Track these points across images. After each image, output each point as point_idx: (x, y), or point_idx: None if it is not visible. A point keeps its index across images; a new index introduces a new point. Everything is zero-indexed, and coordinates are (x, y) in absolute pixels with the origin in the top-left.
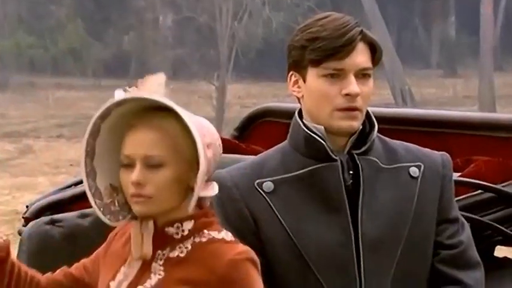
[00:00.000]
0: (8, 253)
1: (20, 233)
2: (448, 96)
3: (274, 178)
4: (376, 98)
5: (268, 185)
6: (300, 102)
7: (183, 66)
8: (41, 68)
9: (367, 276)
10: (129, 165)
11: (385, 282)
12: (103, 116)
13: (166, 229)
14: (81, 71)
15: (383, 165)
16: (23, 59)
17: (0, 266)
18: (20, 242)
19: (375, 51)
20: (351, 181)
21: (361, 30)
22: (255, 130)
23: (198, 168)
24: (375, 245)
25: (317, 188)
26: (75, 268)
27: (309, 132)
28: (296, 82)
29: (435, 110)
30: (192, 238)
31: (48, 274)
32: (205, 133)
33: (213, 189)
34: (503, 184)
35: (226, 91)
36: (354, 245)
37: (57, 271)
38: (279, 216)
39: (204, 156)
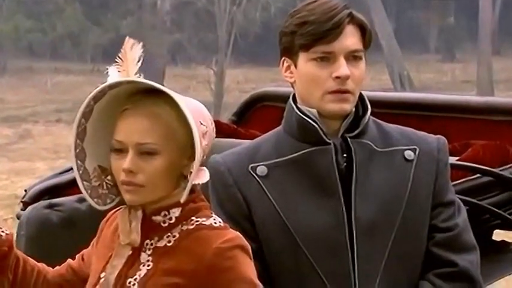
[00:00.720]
0: (10, 247)
1: (18, 217)
2: (446, 81)
3: (268, 162)
4: (374, 83)
5: (261, 169)
6: (293, 87)
7: (181, 51)
8: (39, 53)
9: (360, 260)
10: (121, 151)
11: (379, 265)
12: (97, 97)
13: (153, 217)
14: (79, 56)
15: (377, 149)
16: (21, 43)
17: (3, 261)
18: (18, 226)
19: (364, 33)
20: (345, 164)
21: (350, 13)
22: (253, 115)
23: (191, 155)
24: (368, 228)
25: (310, 171)
26: (76, 260)
27: (302, 115)
28: (288, 67)
29: (432, 94)
30: (179, 226)
31: (56, 267)
32: (201, 120)
33: (205, 176)
34: (501, 168)
35: (225, 76)
36: (347, 228)
37: (63, 264)
38: (272, 200)
39: (200, 145)
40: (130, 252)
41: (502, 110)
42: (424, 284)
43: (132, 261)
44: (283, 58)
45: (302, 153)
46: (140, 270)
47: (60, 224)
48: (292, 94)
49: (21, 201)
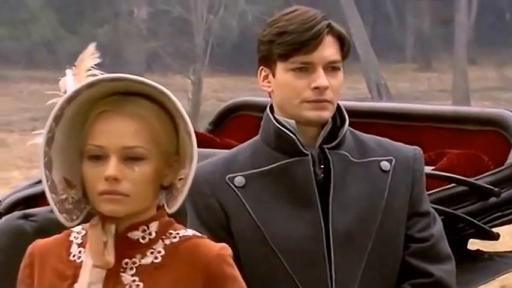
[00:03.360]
0: None
1: None
2: (423, 90)
3: (246, 173)
4: (352, 92)
5: (239, 180)
6: (270, 97)
7: (158, 59)
8: (14, 61)
9: (338, 270)
10: (99, 157)
11: (355, 276)
12: (71, 99)
13: (129, 234)
14: (54, 64)
15: (354, 160)
16: None
17: None
18: None
19: (343, 44)
20: (322, 175)
21: (329, 24)
22: (229, 124)
23: (172, 164)
24: (345, 239)
25: (288, 182)
26: None
27: (279, 126)
28: (266, 77)
29: (407, 104)
30: (160, 241)
31: None
32: None
33: None
34: (475, 177)
35: (202, 84)
36: (324, 239)
37: None
38: (250, 210)
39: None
40: (105, 275)
41: (477, 120)
42: None
43: (113, 284)
44: (260, 67)
45: (280, 164)
46: None
47: (35, 235)
48: (269, 104)
49: None
